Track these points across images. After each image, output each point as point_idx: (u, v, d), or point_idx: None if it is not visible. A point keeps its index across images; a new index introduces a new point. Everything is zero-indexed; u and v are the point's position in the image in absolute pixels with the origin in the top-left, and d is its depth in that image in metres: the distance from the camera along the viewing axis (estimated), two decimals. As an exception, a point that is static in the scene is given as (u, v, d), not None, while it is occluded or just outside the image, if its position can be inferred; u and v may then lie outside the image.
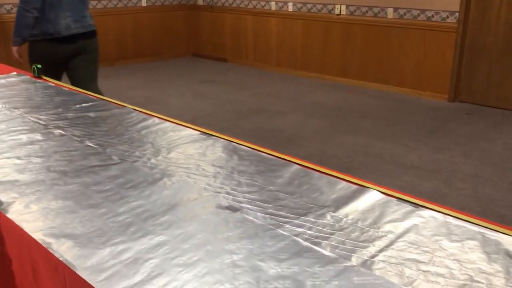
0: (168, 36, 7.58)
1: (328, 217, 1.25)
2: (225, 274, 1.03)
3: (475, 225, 1.20)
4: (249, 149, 1.71)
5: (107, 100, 2.30)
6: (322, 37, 6.22)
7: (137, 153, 1.67)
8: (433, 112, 4.99)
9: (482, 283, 0.99)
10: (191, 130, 1.92)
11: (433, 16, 5.25)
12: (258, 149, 1.70)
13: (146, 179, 1.47)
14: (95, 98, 2.35)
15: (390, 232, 1.19)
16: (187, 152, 1.69)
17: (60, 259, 1.08)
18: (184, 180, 1.47)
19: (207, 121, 4.56)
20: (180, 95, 5.67)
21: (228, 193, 1.38)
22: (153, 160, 1.62)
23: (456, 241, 1.14)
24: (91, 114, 2.09)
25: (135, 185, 1.43)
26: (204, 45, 7.74)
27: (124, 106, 2.22)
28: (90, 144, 1.75)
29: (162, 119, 2.04)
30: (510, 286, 0.98)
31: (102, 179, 1.47)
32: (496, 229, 1.18)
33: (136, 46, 7.27)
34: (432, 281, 1.00)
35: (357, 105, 5.23)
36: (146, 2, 7.24)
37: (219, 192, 1.39)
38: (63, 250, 1.11)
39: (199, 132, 1.89)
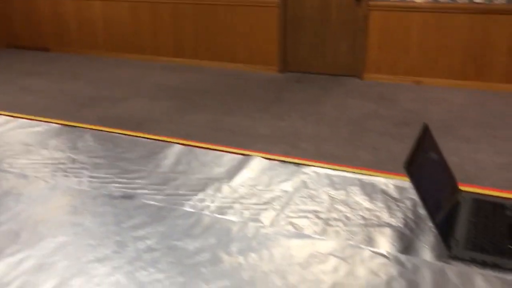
0: (-27, 26, 6.67)
1: (226, 187, 1.30)
2: (144, 259, 1.01)
3: (351, 173, 1.37)
4: (124, 135, 1.65)
5: None
6: (151, 19, 6.11)
7: (-4, 157, 1.50)
8: (267, 84, 5.32)
9: (373, 219, 1.15)
10: (51, 124, 1.77)
11: (256, -8, 5.53)
12: (133, 134, 1.65)
13: (19, 182, 1.34)
14: None
15: (284, 191, 1.28)
16: (55, 148, 1.57)
17: None
18: (63, 176, 1.37)
19: (45, 116, 4.18)
20: (3, 92, 5.08)
21: (116, 182, 1.34)
22: (19, 161, 1.47)
23: (340, 189, 1.29)
24: None
25: (8, 191, 1.29)
26: (19, 35, 7.00)
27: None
28: None
29: (8, 116, 1.85)
30: (394, 216, 1.16)
31: (-36, 190, 1.29)
32: (369, 173, 1.36)
33: None
34: (334, 226, 1.12)
35: (197, 84, 5.31)
36: None
37: (107, 182, 1.33)
38: None
39: (59, 125, 1.76)
